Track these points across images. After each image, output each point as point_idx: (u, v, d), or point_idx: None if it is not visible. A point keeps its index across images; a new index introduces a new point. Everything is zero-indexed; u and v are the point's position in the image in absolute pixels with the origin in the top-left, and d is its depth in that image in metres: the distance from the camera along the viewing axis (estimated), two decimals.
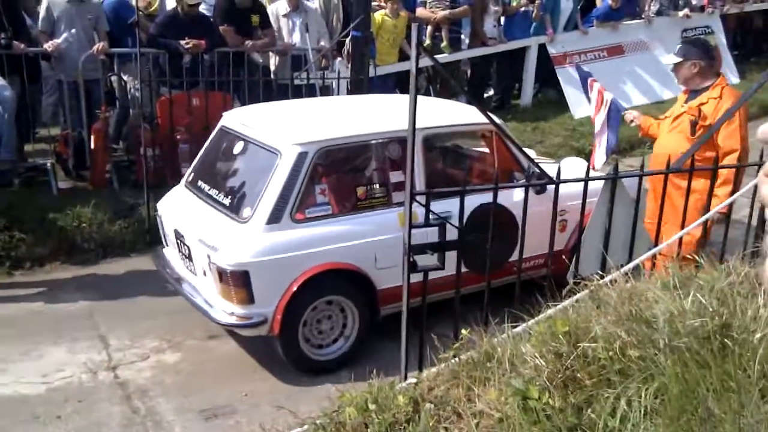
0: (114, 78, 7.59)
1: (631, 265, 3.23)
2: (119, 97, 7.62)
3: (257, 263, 4.12)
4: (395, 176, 4.62)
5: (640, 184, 3.67)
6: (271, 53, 7.87)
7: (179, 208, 4.84)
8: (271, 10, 7.93)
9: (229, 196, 4.52)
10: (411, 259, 3.39)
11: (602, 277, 2.88)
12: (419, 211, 3.63)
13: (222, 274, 4.14)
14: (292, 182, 4.24)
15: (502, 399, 2.38)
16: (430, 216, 3.35)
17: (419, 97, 6.37)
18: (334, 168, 4.63)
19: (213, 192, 4.63)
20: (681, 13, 10.83)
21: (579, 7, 10.26)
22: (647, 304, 2.41)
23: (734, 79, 11.21)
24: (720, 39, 11.33)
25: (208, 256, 4.23)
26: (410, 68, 3.31)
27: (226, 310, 4.23)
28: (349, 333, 4.53)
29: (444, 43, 8.91)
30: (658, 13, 10.79)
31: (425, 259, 3.37)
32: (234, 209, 4.39)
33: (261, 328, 4.23)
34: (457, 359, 2.76)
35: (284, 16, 7.96)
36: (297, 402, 3.86)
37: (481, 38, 9.35)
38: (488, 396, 2.43)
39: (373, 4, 8.08)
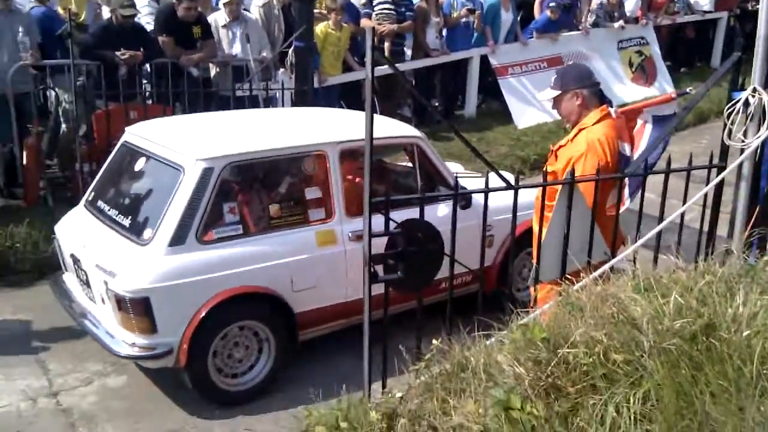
0: (47, 91, 7.25)
1: (603, 268, 3.19)
2: (52, 111, 7.27)
3: (159, 289, 3.81)
4: (311, 192, 4.40)
5: (597, 188, 3.65)
6: (211, 64, 7.67)
7: (77, 231, 4.50)
8: (210, 20, 7.74)
9: (129, 217, 4.20)
10: (372, 270, 3.28)
11: (571, 282, 2.82)
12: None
13: (121, 302, 3.83)
14: (197, 200, 3.95)
15: (480, 411, 2.28)
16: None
17: (336, 110, 6.32)
18: (244, 185, 4.35)
19: (113, 212, 4.31)
20: (616, 25, 11.10)
21: (518, 18, 10.38)
22: (623, 306, 2.36)
23: (669, 88, 11.54)
24: (654, 49, 11.66)
25: (105, 282, 3.93)
26: (366, 73, 3.21)
27: (126, 340, 3.90)
28: (265, 360, 4.22)
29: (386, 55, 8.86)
30: (595, 24, 11.03)
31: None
32: (134, 231, 4.09)
33: (166, 359, 3.92)
34: (429, 371, 2.64)
35: (224, 26, 7.77)
36: (257, 422, 3.69)
37: (424, 49, 9.35)
38: (466, 408, 2.33)
39: (315, 12, 7.96)
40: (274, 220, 4.28)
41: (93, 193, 4.68)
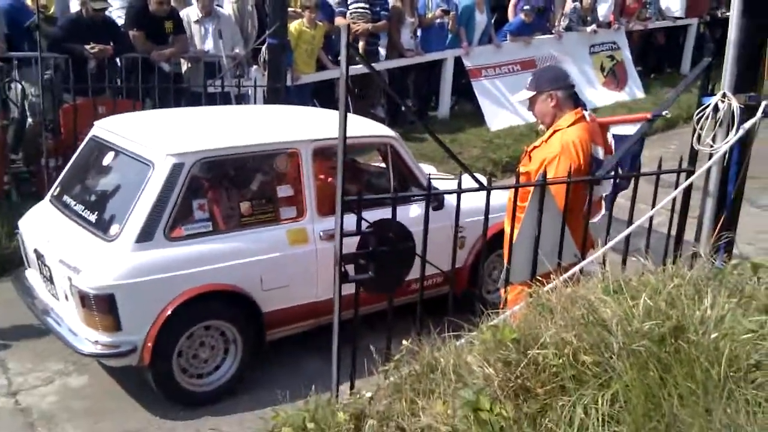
0: (13, 84, 7.09)
1: (574, 269, 3.19)
2: (18, 104, 7.11)
3: (124, 286, 3.74)
4: (283, 191, 4.35)
5: (568, 190, 3.65)
6: (183, 60, 7.57)
7: (41, 226, 4.41)
8: (182, 15, 7.63)
9: (96, 212, 4.13)
10: (342, 269, 3.25)
11: (542, 283, 2.82)
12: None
13: (84, 299, 3.74)
14: (166, 196, 3.88)
15: (449, 412, 2.26)
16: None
17: (309, 109, 6.29)
18: (214, 181, 4.30)
19: (79, 207, 4.22)
20: (589, 29, 11.19)
21: (492, 21, 10.42)
22: (593, 307, 2.35)
23: (639, 93, 11.67)
24: (625, 54, 11.78)
25: (69, 279, 3.84)
26: (340, 71, 3.18)
27: (90, 338, 3.82)
28: (231, 361, 4.16)
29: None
30: (568, 28, 11.10)
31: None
32: (100, 226, 4.01)
33: (130, 357, 3.85)
34: (398, 371, 2.62)
35: (196, 22, 7.68)
36: (222, 423, 3.63)
37: (399, 50, 9.33)
38: (434, 409, 2.30)
39: (290, 12, 7.91)
40: (244, 217, 4.22)
41: (59, 188, 4.57)
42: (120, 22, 7.48)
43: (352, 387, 3.06)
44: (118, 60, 6.95)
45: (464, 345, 2.64)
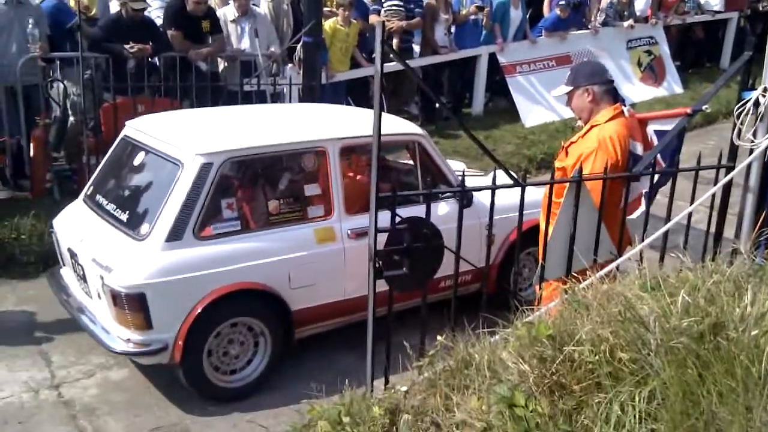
0: (55, 84, 7.26)
1: (610, 266, 3.17)
2: (60, 103, 7.28)
3: (155, 284, 3.79)
4: (310, 189, 4.37)
5: (604, 186, 3.62)
6: (219, 59, 7.66)
7: (75, 225, 4.48)
8: (219, 15, 7.73)
9: (127, 212, 4.18)
10: (377, 265, 3.27)
11: (578, 280, 2.80)
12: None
13: (116, 297, 3.79)
14: (195, 196, 3.92)
15: (484, 407, 2.26)
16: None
17: (337, 107, 6.34)
18: (243, 181, 4.35)
19: (111, 207, 4.29)
20: (626, 24, 11.04)
21: (527, 16, 10.34)
22: (630, 304, 2.33)
23: (678, 89, 11.48)
24: (663, 49, 11.60)
25: (101, 277, 3.90)
26: (375, 68, 3.20)
27: (122, 336, 3.88)
28: (261, 357, 4.20)
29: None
30: (604, 23, 10.97)
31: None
32: (131, 226, 4.06)
33: (161, 355, 3.90)
34: (432, 367, 2.63)
35: (232, 21, 7.76)
36: (257, 417, 3.68)
37: (433, 47, 9.32)
38: (469, 405, 2.31)
39: (325, 11, 7.95)
40: (272, 216, 4.25)
41: (92, 188, 4.65)
42: (159, 22, 7.60)
43: (386, 382, 3.07)
44: (156, 59, 7.06)
45: (499, 341, 2.64)
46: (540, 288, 3.73)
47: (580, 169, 3.55)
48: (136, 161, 4.50)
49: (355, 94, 8.68)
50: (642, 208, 3.95)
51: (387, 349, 3.18)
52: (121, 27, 6.94)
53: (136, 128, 4.58)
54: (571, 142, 3.95)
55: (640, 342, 2.06)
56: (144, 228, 3.97)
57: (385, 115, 5.35)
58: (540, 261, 3.73)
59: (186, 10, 7.32)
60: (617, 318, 2.23)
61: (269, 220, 4.23)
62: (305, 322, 4.29)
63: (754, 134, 3.74)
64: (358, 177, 5.18)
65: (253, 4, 8.07)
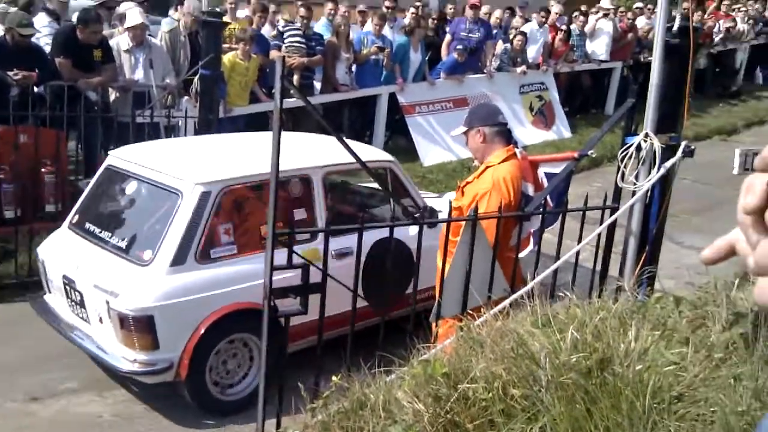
0: None
1: (504, 303, 3.21)
2: None
3: (162, 307, 3.99)
4: (297, 214, 4.61)
5: (499, 225, 3.70)
6: (111, 89, 7.40)
7: (66, 253, 4.54)
8: (112, 44, 7.48)
9: (125, 238, 4.35)
10: (272, 303, 3.19)
11: (474, 318, 2.83)
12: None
13: (123, 320, 3.97)
14: (196, 223, 4.15)
15: None
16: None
17: (317, 135, 6.49)
18: (237, 207, 4.58)
19: (105, 234, 4.44)
20: (519, 70, 11.51)
21: (426, 59, 10.61)
22: (522, 340, 2.37)
23: (567, 133, 12.03)
24: (553, 95, 12.15)
25: (107, 302, 4.03)
26: (275, 102, 3.17)
27: (127, 357, 4.05)
28: (256, 371, 4.34)
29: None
30: (499, 68, 11.39)
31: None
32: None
33: (166, 374, 4.09)
34: (326, 409, 2.56)
35: (126, 51, 7.52)
36: None
37: (334, 84, 9.38)
38: None
39: (225, 48, 7.86)
40: (264, 239, 4.34)
41: (77, 216, 4.69)
42: (48, 49, 7.27)
43: (278, 426, 2.98)
44: (43, 88, 6.74)
45: (394, 380, 2.61)
46: (436, 325, 3.75)
47: (476, 208, 3.62)
48: (129, 190, 4.72)
49: (254, 129, 8.57)
50: (531, 246, 4.07)
51: (280, 391, 3.10)
52: (6, 52, 6.58)
53: (123, 158, 4.73)
54: (467, 182, 4.04)
55: (531, 378, 2.09)
56: (147, 254, 4.15)
57: (356, 143, 5.69)
58: (437, 298, 3.76)
59: (77, 38, 7.05)
60: (510, 354, 2.25)
61: (261, 243, 4.34)
62: (296, 337, 4.26)
63: (637, 177, 3.94)
64: (338, 201, 5.49)
65: (149, 35, 7.87)
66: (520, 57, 11.64)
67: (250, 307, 4.18)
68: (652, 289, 3.77)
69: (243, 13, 9.61)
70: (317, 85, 9.44)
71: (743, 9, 16.40)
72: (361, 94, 9.71)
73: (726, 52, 15.27)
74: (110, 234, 4.40)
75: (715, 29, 14.80)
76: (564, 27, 12.57)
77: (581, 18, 12.88)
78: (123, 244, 4.29)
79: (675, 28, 4.00)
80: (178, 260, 4.07)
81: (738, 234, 0.60)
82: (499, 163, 3.93)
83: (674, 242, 7.13)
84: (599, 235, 3.91)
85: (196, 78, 7.25)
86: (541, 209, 3.91)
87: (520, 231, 3.87)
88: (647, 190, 3.94)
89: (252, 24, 8.91)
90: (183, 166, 4.54)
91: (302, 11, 9.10)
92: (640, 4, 14.88)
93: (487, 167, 3.94)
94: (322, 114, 9.37)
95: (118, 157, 4.76)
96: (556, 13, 12.61)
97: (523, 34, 11.62)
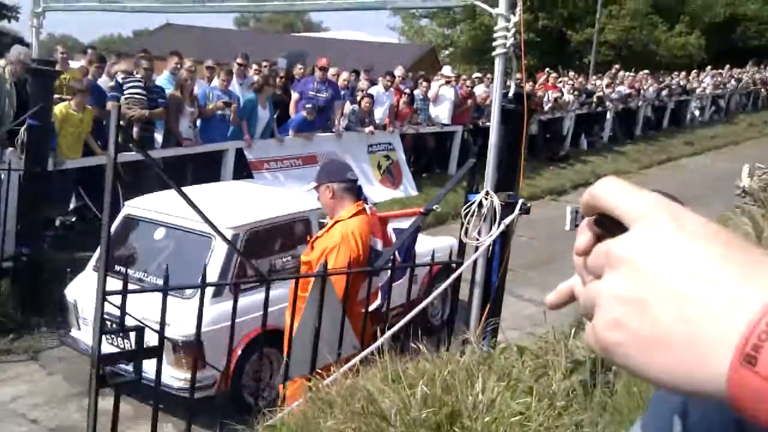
0: None
1: (353, 361, 3.13)
2: None
3: (209, 332, 4.25)
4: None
5: (348, 280, 3.66)
6: None
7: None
8: None
9: (163, 277, 4.30)
10: (100, 372, 2.92)
11: (321, 376, 2.72)
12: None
13: (175, 346, 4.56)
14: (229, 260, 4.96)
15: None
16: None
17: (250, 184, 6.79)
18: (257, 245, 5.32)
19: (139, 275, 5.17)
20: (366, 130, 11.77)
21: (275, 116, 10.58)
22: (372, 398, 2.29)
23: (413, 191, 12.38)
24: (400, 155, 12.51)
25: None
26: (107, 153, 2.97)
27: (178, 377, 4.64)
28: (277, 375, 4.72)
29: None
30: (347, 128, 11.58)
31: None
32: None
33: (211, 389, 4.74)
34: None
35: None
36: None
37: (177, 138, 9.08)
38: None
39: (56, 98, 7.39)
40: (276, 271, 5.04)
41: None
42: None
43: None
44: None
45: None
46: (284, 387, 3.60)
47: (325, 263, 3.56)
48: (157, 236, 5.37)
49: (87, 183, 8.09)
50: (378, 301, 4.06)
51: None
52: None
53: (143, 207, 5.51)
54: (317, 237, 3.99)
55: None
56: (189, 289, 4.59)
57: (287, 194, 6.79)
58: (285, 358, 3.62)
59: None
60: (360, 413, 2.17)
61: (277, 274, 4.94)
62: None
63: (479, 233, 4.06)
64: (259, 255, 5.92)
65: None
66: (367, 117, 11.92)
67: (273, 328, 4.50)
68: (496, 339, 3.85)
69: (76, 63, 9.15)
70: (159, 137, 9.09)
71: (569, 81, 17.91)
72: (206, 149, 9.45)
73: (554, 120, 16.52)
74: (145, 274, 5.16)
75: (545, 99, 15.99)
76: (408, 90, 13.07)
77: (425, 84, 13.46)
78: (160, 282, 4.14)
79: (510, 94, 4.23)
80: (218, 292, 4.81)
81: (576, 278, 0.61)
82: (348, 218, 3.91)
83: (514, 295, 7.43)
84: (446, 288, 3.97)
85: (22, 129, 6.72)
86: (391, 264, 3.92)
87: (370, 286, 3.85)
88: (489, 245, 4.07)
89: (87, 74, 8.49)
90: (212, 213, 4.39)
91: (144, 63, 8.79)
92: (479, 75, 15.86)
93: (337, 222, 3.91)
94: (163, 168, 9.03)
95: (137, 207, 5.55)
96: (400, 76, 13.10)
97: (370, 96, 11.93)
